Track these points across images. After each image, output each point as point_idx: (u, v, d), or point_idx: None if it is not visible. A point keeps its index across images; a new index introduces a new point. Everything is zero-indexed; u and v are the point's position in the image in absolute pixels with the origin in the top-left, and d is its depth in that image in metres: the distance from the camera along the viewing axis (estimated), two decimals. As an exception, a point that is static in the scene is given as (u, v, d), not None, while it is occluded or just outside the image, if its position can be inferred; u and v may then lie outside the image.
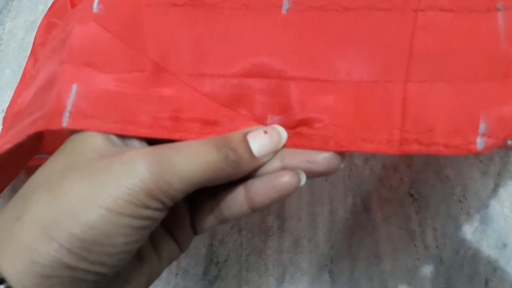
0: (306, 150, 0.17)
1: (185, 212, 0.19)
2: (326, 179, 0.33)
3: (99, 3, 0.17)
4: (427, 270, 0.30)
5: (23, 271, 0.13)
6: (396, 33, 0.16)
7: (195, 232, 0.19)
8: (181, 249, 0.19)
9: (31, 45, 0.35)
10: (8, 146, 0.17)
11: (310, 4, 0.17)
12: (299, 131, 0.17)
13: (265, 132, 0.17)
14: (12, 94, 0.38)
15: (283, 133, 0.17)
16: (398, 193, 0.32)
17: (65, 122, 0.16)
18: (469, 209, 0.31)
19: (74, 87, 0.16)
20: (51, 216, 0.14)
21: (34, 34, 0.35)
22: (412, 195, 0.32)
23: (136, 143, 0.17)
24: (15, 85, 0.38)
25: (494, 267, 0.30)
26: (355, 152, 0.16)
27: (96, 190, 0.14)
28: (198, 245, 0.31)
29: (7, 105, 0.38)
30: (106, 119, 0.16)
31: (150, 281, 0.18)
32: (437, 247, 0.31)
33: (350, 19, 0.17)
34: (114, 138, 0.16)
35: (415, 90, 0.16)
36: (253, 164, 0.17)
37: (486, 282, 0.30)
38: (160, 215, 0.15)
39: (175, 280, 0.31)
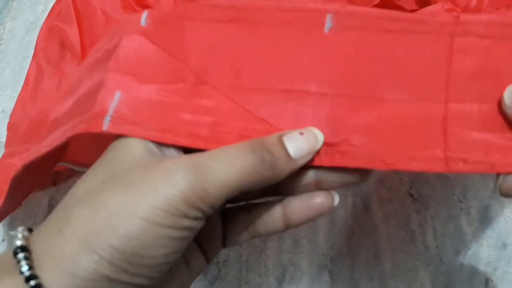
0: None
1: (218, 226, 0.19)
2: (326, 179, 0.33)
3: (147, 17, 0.18)
4: (427, 270, 0.30)
5: (64, 284, 0.13)
6: (434, 55, 0.17)
7: (224, 245, 0.19)
8: (208, 261, 0.19)
9: (31, 45, 0.35)
10: (47, 149, 0.17)
11: (352, 24, 0.17)
12: (342, 149, 0.17)
13: (301, 133, 0.16)
14: (12, 94, 0.38)
15: (319, 135, 0.17)
16: (398, 193, 0.32)
17: (106, 126, 0.16)
18: (469, 209, 0.31)
19: (118, 94, 0.16)
20: (92, 228, 0.14)
21: (34, 34, 0.35)
22: (412, 195, 0.32)
23: (173, 152, 0.17)
24: (15, 85, 0.38)
25: (494, 267, 0.30)
26: (403, 171, 0.16)
27: (135, 200, 0.14)
28: (198, 245, 0.32)
29: (7, 105, 0.38)
30: (146, 126, 0.16)
31: None
32: (437, 247, 0.31)
33: (390, 41, 0.17)
34: (152, 146, 0.16)
35: (455, 110, 0.16)
36: (290, 166, 0.16)
37: (486, 282, 0.30)
38: (199, 224, 0.15)
39: (175, 280, 0.31)
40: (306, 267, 0.31)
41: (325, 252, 0.31)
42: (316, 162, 0.17)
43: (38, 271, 0.14)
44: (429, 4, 0.31)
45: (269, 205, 0.18)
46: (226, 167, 0.15)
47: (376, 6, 0.32)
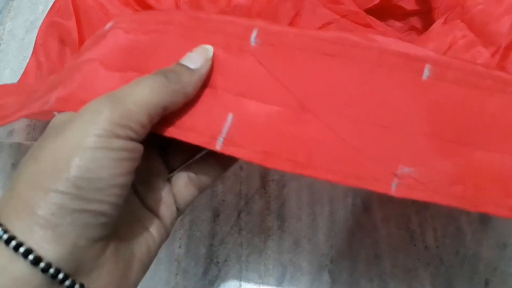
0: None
1: (168, 190, 0.21)
2: (326, 179, 0.33)
3: (257, 36, 0.19)
4: (427, 270, 0.30)
5: (27, 226, 0.15)
6: None
7: (178, 209, 0.21)
8: (166, 229, 0.20)
9: (31, 45, 0.35)
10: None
11: (447, 77, 0.18)
12: (433, 186, 0.17)
13: (192, 51, 0.19)
14: (12, 94, 0.38)
15: (208, 46, 0.19)
16: (398, 193, 0.32)
17: (219, 146, 0.18)
18: (469, 209, 0.31)
19: (230, 116, 0.18)
20: (37, 172, 0.15)
21: (34, 34, 0.35)
22: (412, 195, 0.32)
23: None
24: (15, 85, 0.38)
25: (494, 267, 0.30)
26: (490, 214, 0.18)
27: (69, 137, 0.16)
28: (198, 245, 0.31)
29: (7, 105, 0.38)
30: (251, 148, 0.18)
31: (151, 254, 0.19)
32: (437, 247, 0.31)
33: (479, 96, 0.18)
34: None
35: None
36: (194, 75, 0.19)
37: (486, 282, 0.30)
38: (134, 146, 0.17)
39: (175, 280, 0.31)
40: (306, 267, 0.31)
41: (325, 252, 0.31)
42: (408, 195, 0.17)
43: (3, 222, 0.15)
44: (429, 4, 0.31)
45: (203, 157, 0.21)
46: (138, 88, 0.17)
47: (376, 6, 0.32)
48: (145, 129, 0.17)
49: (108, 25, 0.21)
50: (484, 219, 0.31)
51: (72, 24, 0.33)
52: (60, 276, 0.15)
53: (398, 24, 0.34)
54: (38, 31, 0.34)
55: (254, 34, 0.19)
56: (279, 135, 0.18)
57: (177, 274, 0.31)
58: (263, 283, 0.30)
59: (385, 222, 0.32)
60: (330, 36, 0.19)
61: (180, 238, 0.32)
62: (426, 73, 0.18)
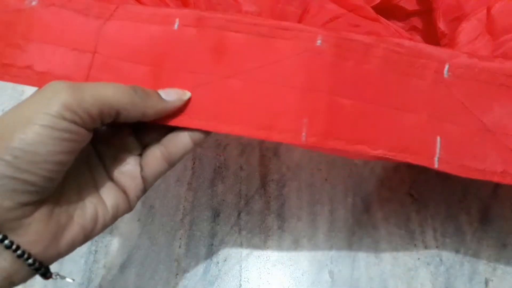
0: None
1: (135, 162, 0.22)
2: (326, 179, 0.33)
3: (448, 70, 0.22)
4: (427, 270, 0.30)
5: None
6: None
7: (146, 183, 0.22)
8: (130, 200, 0.22)
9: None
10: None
11: None
12: None
13: (172, 88, 0.21)
14: (12, 93, 0.38)
15: (187, 91, 0.22)
16: (398, 193, 0.32)
17: (436, 164, 0.22)
18: (469, 209, 0.31)
19: (439, 139, 0.22)
20: None
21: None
22: (412, 195, 0.32)
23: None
24: (16, 85, 0.38)
25: (494, 267, 0.30)
26: None
27: (20, 112, 0.17)
28: (198, 245, 0.32)
29: (7, 104, 0.38)
30: (456, 164, 0.22)
31: (98, 222, 0.20)
32: (437, 247, 0.31)
33: None
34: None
35: None
36: (161, 103, 0.21)
37: (486, 282, 0.30)
38: (78, 130, 0.18)
39: (175, 280, 0.31)
40: (306, 267, 0.31)
41: (325, 252, 0.31)
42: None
43: None
44: (430, 5, 0.31)
45: (175, 131, 0.22)
46: (105, 86, 0.19)
47: (377, 6, 0.32)
48: (93, 120, 0.18)
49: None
50: (484, 219, 0.31)
51: None
52: None
53: (399, 24, 0.34)
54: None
55: (446, 67, 0.22)
56: (475, 152, 0.22)
57: (177, 274, 0.31)
58: (263, 283, 0.30)
59: (385, 222, 0.32)
60: (508, 71, 0.22)
61: (180, 238, 0.32)
62: None
